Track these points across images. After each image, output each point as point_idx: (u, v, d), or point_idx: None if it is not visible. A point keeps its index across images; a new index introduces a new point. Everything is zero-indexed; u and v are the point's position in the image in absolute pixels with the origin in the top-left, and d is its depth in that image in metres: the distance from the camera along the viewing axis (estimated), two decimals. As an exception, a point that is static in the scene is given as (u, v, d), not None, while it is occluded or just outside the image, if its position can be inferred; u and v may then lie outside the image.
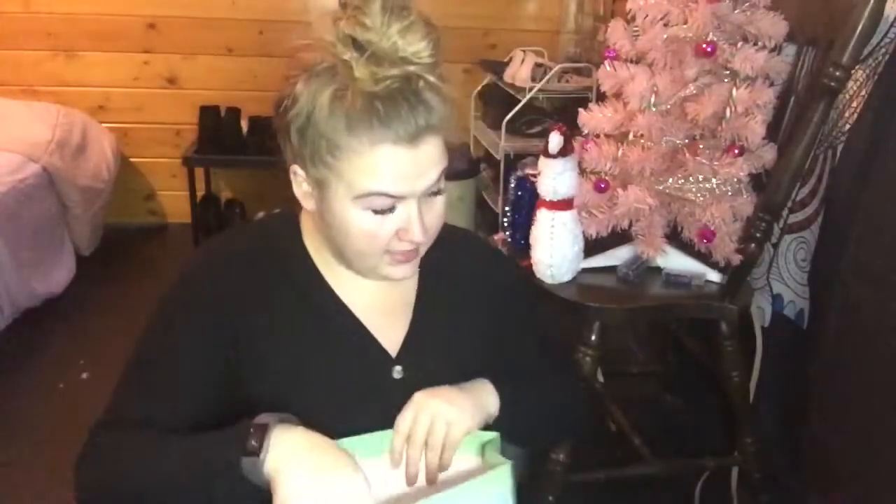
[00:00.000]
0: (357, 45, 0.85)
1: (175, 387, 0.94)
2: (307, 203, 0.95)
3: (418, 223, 0.90)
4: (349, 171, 0.87)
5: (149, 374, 0.96)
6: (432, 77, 0.86)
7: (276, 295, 0.97)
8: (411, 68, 0.85)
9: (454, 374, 1.00)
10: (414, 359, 1.00)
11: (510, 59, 3.26)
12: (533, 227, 1.67)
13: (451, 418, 0.93)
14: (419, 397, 0.94)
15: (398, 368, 1.00)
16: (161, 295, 0.99)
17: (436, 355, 1.02)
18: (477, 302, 1.07)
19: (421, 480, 0.94)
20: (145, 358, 0.97)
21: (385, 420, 0.95)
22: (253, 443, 0.83)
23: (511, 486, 0.93)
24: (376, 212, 0.89)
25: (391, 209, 0.90)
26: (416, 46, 0.85)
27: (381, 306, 1.01)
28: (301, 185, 0.94)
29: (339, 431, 0.90)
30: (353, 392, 0.98)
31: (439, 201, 0.93)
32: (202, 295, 0.97)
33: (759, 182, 1.71)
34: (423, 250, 0.97)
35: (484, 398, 0.98)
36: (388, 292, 1.02)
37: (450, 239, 1.07)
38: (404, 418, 0.93)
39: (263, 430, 0.84)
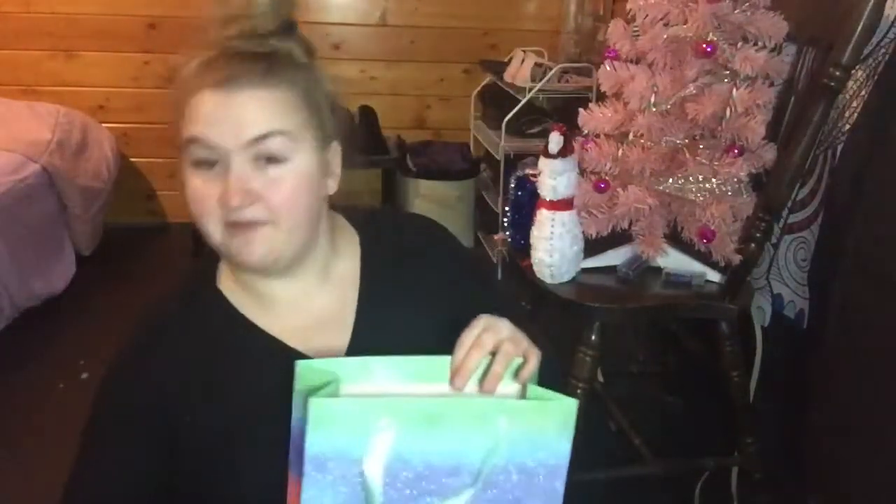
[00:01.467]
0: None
1: (119, 477, 0.95)
2: None
3: (233, 183, 0.86)
4: (180, 127, 0.89)
5: (91, 465, 0.96)
6: (275, 34, 0.89)
7: (202, 354, 0.95)
8: (254, 22, 0.88)
9: None
10: None
11: (510, 59, 3.26)
12: (533, 227, 1.67)
13: (526, 344, 0.84)
14: (486, 317, 0.85)
15: None
16: (101, 378, 0.99)
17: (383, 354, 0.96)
18: (427, 286, 1.01)
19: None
20: (88, 446, 0.98)
21: None
22: None
23: (573, 426, 0.80)
24: (198, 166, 0.88)
25: (211, 165, 0.88)
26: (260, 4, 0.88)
27: (318, 322, 0.98)
28: None
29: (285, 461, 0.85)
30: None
31: (281, 174, 0.88)
32: (130, 385, 0.96)
33: (759, 182, 1.71)
34: (275, 233, 0.90)
35: None
36: (321, 304, 0.98)
37: (392, 226, 1.06)
38: (470, 332, 0.84)
39: None
